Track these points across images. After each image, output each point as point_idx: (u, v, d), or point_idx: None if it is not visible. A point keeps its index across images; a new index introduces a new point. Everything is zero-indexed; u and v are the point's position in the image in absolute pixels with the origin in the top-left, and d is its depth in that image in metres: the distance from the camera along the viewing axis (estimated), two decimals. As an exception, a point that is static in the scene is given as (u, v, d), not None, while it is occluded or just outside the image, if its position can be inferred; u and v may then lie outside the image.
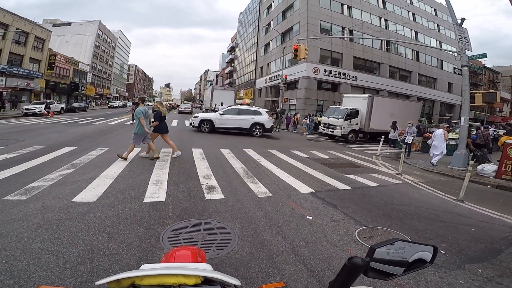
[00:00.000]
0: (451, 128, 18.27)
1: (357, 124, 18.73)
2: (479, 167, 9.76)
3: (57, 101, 34.81)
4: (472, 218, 5.39)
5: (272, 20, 41.83)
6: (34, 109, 24.75)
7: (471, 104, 12.66)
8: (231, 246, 3.48)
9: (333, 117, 19.10)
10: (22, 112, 25.09)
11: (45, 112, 25.06)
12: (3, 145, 9.10)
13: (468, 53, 11.87)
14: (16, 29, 30.46)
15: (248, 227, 4.09)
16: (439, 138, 11.38)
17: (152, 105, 45.69)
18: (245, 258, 3.24)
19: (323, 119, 20.61)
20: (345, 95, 22.27)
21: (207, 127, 16.30)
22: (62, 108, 30.78)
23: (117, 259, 3.00)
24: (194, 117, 17.11)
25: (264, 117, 16.81)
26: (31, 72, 33.84)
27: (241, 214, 4.58)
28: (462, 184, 6.81)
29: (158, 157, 8.11)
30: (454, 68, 37.40)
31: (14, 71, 30.71)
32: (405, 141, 13.96)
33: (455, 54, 12.07)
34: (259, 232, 3.96)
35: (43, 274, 2.63)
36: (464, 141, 11.29)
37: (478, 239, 4.36)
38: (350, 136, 18.49)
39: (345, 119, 18.27)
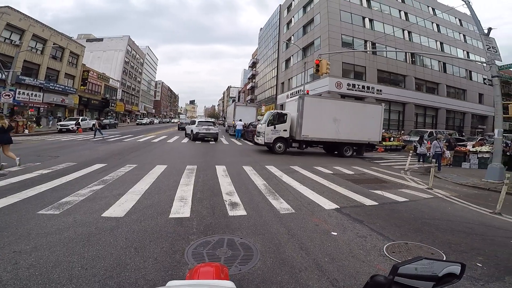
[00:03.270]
0: (485, 141, 17.44)
1: (285, 130, 16.01)
2: (517, 180, 9.18)
3: (89, 117, 36.43)
4: (511, 231, 5.08)
5: (293, 35, 42.27)
6: (68, 126, 26.24)
7: (504, 115, 12.08)
8: (253, 262, 3.46)
9: (260, 124, 16.97)
10: (57, 128, 26.65)
11: (75, 128, 26.47)
12: (40, 161, 9.70)
13: (498, 63, 11.44)
14: (53, 44, 32.10)
15: (270, 243, 4.06)
16: None
17: (179, 121, 47.22)
18: (267, 274, 3.21)
19: (257, 126, 18.46)
20: (287, 99, 19.25)
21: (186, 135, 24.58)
22: (93, 124, 32.18)
23: (143, 274, 3.07)
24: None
25: (193, 126, 22.23)
26: (66, 87, 35.41)
27: (263, 230, 4.56)
28: (499, 197, 6.46)
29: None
30: (484, 79, 35.78)
31: (50, 87, 32.30)
32: (444, 155, 13.67)
33: (484, 65, 11.67)
34: (282, 248, 3.92)
35: (73, 287, 2.73)
36: (499, 154, 10.76)
37: (520, 251, 4.11)
38: (277, 145, 16.01)
39: (268, 125, 15.92)
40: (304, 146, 16.44)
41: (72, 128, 26.17)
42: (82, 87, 39.69)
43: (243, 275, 3.15)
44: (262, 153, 15.89)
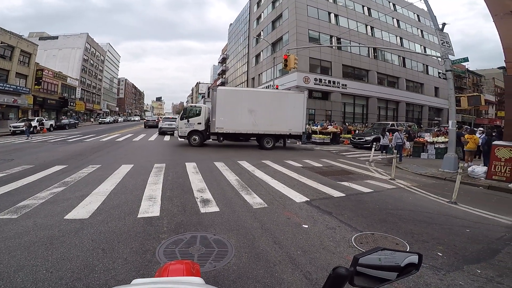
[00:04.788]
0: (441, 132, 18.64)
1: (199, 123, 16.08)
2: (470, 169, 9.92)
3: (46, 117, 34.14)
4: (466, 220, 5.43)
5: (262, 30, 42.27)
6: (22, 127, 24.23)
7: (457, 107, 12.91)
8: (228, 258, 3.46)
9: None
10: (10, 130, 24.55)
11: (39, 128, 24.96)
12: (-8, 165, 8.95)
13: (451, 57, 12.17)
14: (1, 43, 29.65)
15: (244, 238, 4.07)
16: None
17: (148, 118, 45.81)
18: (242, 269, 3.22)
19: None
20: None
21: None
22: (51, 125, 30.09)
23: (113, 274, 2.97)
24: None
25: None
26: (18, 87, 32.92)
27: (237, 226, 4.56)
28: (454, 186, 6.85)
29: None
30: (439, 73, 38.19)
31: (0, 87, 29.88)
32: (405, 146, 14.38)
33: (439, 59, 12.38)
34: (256, 243, 3.94)
35: (37, 295, 2.58)
36: (453, 144, 11.46)
37: (474, 240, 4.39)
38: (192, 138, 16.10)
39: (182, 119, 16.15)
40: (221, 138, 16.26)
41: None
42: (36, 86, 36.96)
43: (218, 272, 3.14)
44: (233, 148, 15.85)
